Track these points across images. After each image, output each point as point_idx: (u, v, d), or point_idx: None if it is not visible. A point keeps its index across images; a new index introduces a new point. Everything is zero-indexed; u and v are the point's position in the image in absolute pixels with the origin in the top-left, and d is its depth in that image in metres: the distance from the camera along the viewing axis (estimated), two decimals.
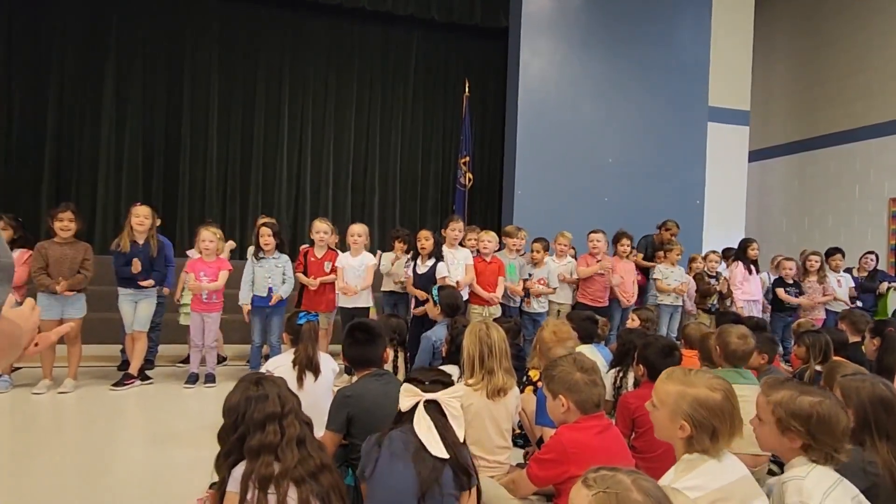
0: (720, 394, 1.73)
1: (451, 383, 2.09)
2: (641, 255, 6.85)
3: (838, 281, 6.92)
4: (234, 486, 1.76)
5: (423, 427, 1.90)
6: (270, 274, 5.08)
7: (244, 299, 5.06)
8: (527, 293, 5.84)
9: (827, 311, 6.77)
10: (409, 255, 5.64)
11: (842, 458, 1.74)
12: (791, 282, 6.66)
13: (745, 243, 6.83)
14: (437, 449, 1.86)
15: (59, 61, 8.13)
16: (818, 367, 3.52)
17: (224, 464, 1.83)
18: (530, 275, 5.91)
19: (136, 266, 4.76)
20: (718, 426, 1.69)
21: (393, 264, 5.71)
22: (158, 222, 5.35)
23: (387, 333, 2.94)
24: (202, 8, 8.74)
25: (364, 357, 2.61)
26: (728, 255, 7.27)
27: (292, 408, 1.89)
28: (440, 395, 1.98)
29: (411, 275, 5.41)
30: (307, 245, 5.66)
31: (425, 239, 5.38)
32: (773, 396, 1.81)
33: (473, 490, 1.94)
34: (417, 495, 1.81)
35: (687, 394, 1.73)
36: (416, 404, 1.96)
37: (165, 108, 8.66)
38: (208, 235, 5.07)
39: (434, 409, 1.95)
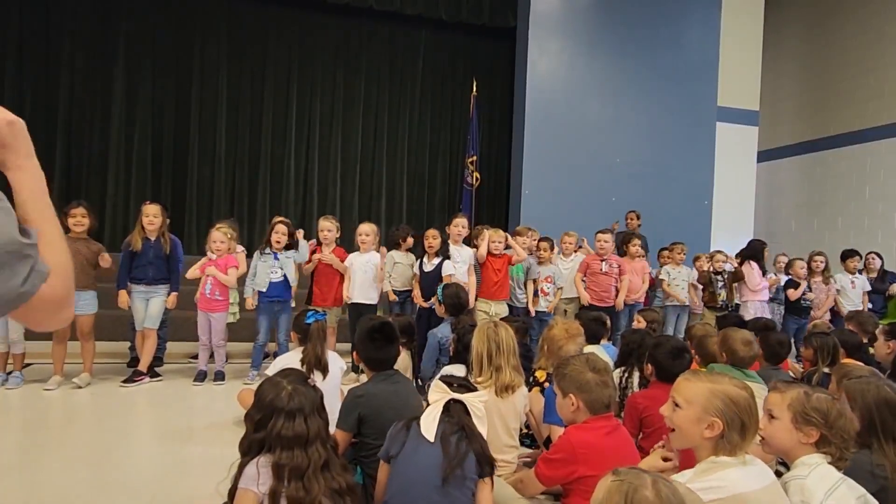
0: (746, 391, 1.74)
1: (475, 389, 2.27)
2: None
3: (852, 283, 6.89)
4: (245, 482, 1.78)
5: (430, 415, 2.05)
6: (273, 269, 5.15)
7: (247, 292, 5.19)
8: (534, 293, 5.85)
9: (832, 312, 6.74)
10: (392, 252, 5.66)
11: (846, 461, 1.77)
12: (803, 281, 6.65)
13: (760, 245, 6.76)
14: (430, 434, 2.00)
15: (68, 60, 8.19)
16: (826, 370, 3.51)
17: (246, 453, 1.85)
18: (538, 273, 5.92)
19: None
20: (747, 423, 1.69)
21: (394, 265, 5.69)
22: (168, 221, 5.40)
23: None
24: (211, 7, 8.78)
25: (383, 358, 2.63)
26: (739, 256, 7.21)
27: (318, 433, 1.86)
28: (466, 396, 2.15)
29: (418, 272, 5.43)
30: (314, 241, 5.70)
31: (433, 238, 5.38)
32: (790, 393, 1.85)
33: (489, 482, 2.04)
34: (442, 475, 1.92)
35: (718, 391, 1.72)
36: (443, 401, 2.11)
37: (174, 106, 8.71)
38: (219, 236, 5.12)
39: (460, 408, 2.11)
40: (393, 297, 5.49)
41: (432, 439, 1.98)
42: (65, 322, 1.05)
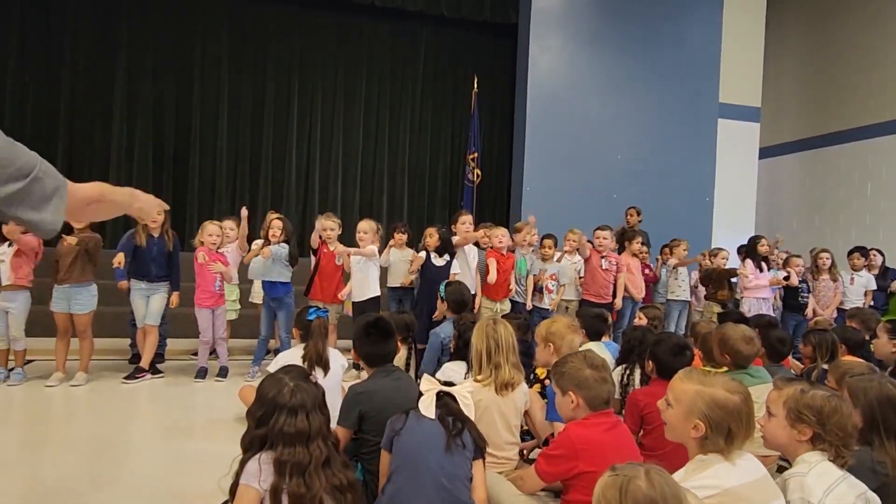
0: (738, 396, 1.72)
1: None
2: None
3: (851, 279, 6.87)
4: (246, 479, 1.79)
5: (427, 399, 2.22)
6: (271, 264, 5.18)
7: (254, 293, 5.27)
8: (538, 289, 5.85)
9: (838, 309, 6.72)
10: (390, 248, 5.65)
11: (848, 458, 1.76)
12: (800, 279, 6.62)
13: (754, 240, 6.76)
14: (430, 412, 2.18)
15: (70, 58, 8.18)
16: (825, 366, 3.50)
17: (247, 450, 1.85)
18: (540, 270, 5.92)
19: (119, 259, 4.87)
20: (735, 428, 1.68)
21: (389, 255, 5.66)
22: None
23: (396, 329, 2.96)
24: (212, 4, 8.76)
25: (379, 354, 2.64)
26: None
27: (319, 429, 1.86)
28: (454, 388, 2.31)
29: (420, 266, 5.39)
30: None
31: (430, 236, 5.40)
32: (786, 390, 1.85)
33: (482, 464, 2.19)
34: (444, 442, 2.10)
35: (705, 393, 1.72)
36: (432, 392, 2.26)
37: (175, 103, 8.70)
38: (214, 230, 5.12)
39: (449, 398, 2.26)
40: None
41: (433, 416, 2.16)
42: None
